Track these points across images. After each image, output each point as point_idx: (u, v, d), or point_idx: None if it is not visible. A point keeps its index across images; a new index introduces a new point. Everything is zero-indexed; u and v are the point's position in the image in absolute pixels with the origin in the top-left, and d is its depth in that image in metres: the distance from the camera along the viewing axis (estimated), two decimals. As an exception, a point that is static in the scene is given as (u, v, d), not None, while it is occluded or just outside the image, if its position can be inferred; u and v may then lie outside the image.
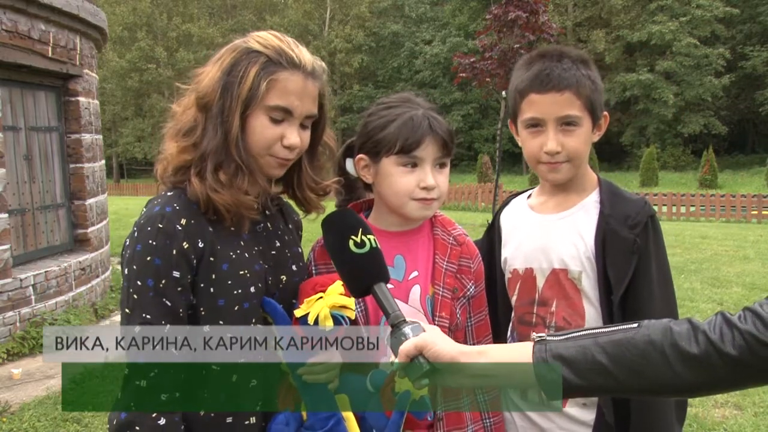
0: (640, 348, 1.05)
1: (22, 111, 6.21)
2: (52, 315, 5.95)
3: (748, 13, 33.75)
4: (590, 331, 1.12)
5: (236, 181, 1.34)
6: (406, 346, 1.14)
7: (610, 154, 34.85)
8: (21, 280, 5.69)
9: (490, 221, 1.87)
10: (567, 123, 1.56)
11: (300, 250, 1.58)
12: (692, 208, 17.19)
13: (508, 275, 1.72)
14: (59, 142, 6.80)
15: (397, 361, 1.16)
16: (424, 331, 1.17)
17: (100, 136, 7.72)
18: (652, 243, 1.56)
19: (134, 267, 1.30)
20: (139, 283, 1.29)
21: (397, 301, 1.53)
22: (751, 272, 8.45)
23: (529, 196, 1.79)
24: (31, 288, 5.81)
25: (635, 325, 1.09)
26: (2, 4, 5.41)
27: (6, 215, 5.59)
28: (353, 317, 1.40)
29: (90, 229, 7.05)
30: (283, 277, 1.47)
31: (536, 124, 1.58)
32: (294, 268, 1.51)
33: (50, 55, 6.21)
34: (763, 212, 15.91)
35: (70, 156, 6.91)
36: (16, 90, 6.09)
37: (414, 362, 1.14)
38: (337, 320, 1.37)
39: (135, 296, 1.30)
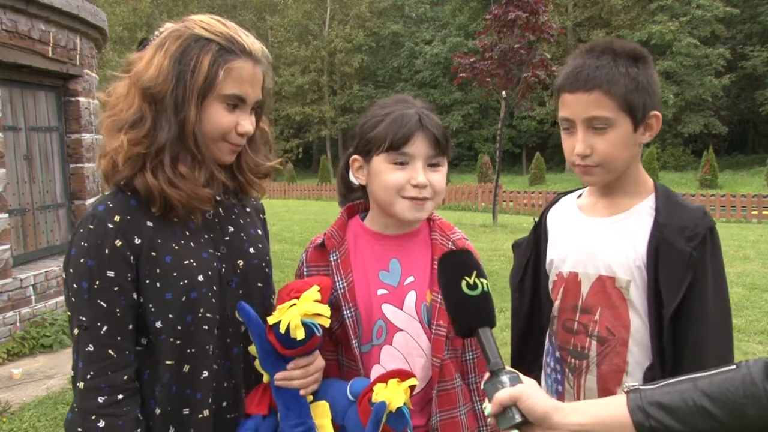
0: (742, 389, 1.05)
1: (22, 111, 6.21)
2: (52, 315, 5.95)
3: (748, 13, 33.73)
4: (687, 377, 1.11)
5: (194, 174, 1.33)
6: (501, 395, 1.13)
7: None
8: (21, 280, 5.69)
9: (537, 220, 1.77)
10: (596, 125, 1.46)
11: (259, 232, 1.54)
12: (692, 208, 17.18)
13: (553, 278, 1.64)
14: (59, 142, 6.80)
15: (490, 407, 1.16)
16: (522, 382, 1.15)
17: (101, 136, 7.71)
18: (710, 257, 1.45)
19: (70, 270, 1.30)
20: (75, 285, 1.29)
21: (391, 307, 1.51)
22: (751, 272, 8.45)
23: (579, 196, 1.70)
24: (31, 288, 5.81)
25: (733, 366, 1.09)
26: (2, 4, 5.41)
27: (6, 215, 5.59)
28: (328, 325, 1.37)
29: (90, 229, 7.05)
30: (240, 262, 1.44)
31: (568, 126, 1.51)
32: (251, 250, 1.48)
33: (50, 55, 6.21)
34: (763, 212, 15.90)
35: (70, 156, 6.91)
36: (16, 90, 6.09)
37: (507, 411, 1.13)
38: (309, 329, 1.33)
39: (73, 299, 1.30)
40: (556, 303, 1.61)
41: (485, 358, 1.19)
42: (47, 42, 6.14)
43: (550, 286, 1.64)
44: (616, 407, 1.11)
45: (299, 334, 1.31)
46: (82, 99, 6.95)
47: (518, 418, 1.12)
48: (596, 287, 1.54)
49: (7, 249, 5.53)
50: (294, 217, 16.37)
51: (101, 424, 1.26)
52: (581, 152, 1.47)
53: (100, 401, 1.27)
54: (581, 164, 1.50)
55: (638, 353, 1.50)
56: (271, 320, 1.36)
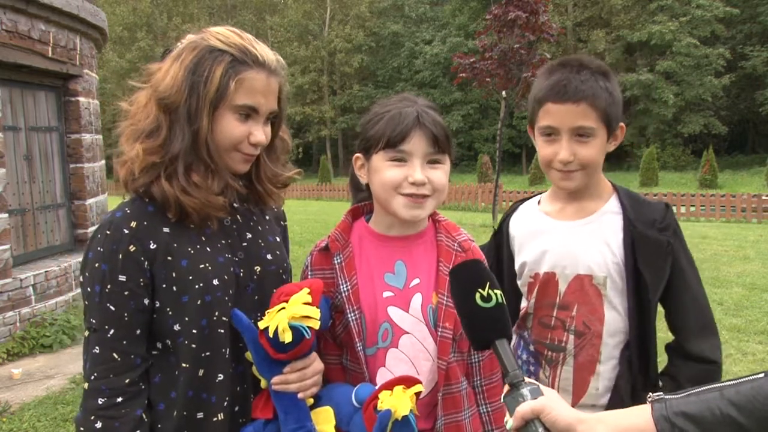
0: None
1: (22, 111, 6.21)
2: (52, 315, 5.95)
3: (748, 13, 33.73)
4: (712, 386, 1.10)
5: (207, 182, 1.35)
6: (523, 409, 1.11)
7: (610, 154, 34.41)
8: (21, 280, 5.69)
9: (496, 228, 1.88)
10: (581, 134, 1.59)
11: (277, 239, 1.56)
12: (692, 208, 17.19)
13: (528, 279, 1.75)
14: (59, 142, 6.80)
15: (512, 421, 1.13)
16: (543, 394, 1.13)
17: (100, 136, 7.73)
18: (680, 243, 1.63)
19: (86, 274, 1.34)
20: (89, 289, 1.33)
21: (397, 310, 1.50)
22: (751, 272, 8.45)
23: (538, 203, 1.81)
24: (31, 288, 5.81)
25: (761, 375, 1.07)
26: (2, 4, 5.41)
27: (6, 215, 5.59)
28: (317, 327, 1.36)
29: (90, 229, 7.05)
30: (257, 268, 1.46)
31: (551, 133, 1.62)
32: (269, 257, 1.49)
33: (50, 55, 6.21)
34: (763, 212, 15.89)
35: (70, 156, 6.91)
36: (16, 90, 6.09)
37: (529, 425, 1.11)
38: (298, 332, 1.33)
39: (86, 302, 1.34)
40: (531, 301, 1.73)
41: (503, 371, 1.17)
42: (47, 42, 6.14)
43: (525, 287, 1.76)
44: (640, 417, 1.10)
45: (287, 337, 1.31)
46: (82, 99, 6.95)
47: (541, 431, 1.10)
48: (574, 285, 1.67)
49: (7, 249, 5.53)
50: (294, 217, 16.35)
51: (98, 425, 1.29)
52: (565, 159, 1.59)
53: (100, 402, 1.29)
54: (563, 170, 1.62)
55: (611, 344, 1.64)
56: (261, 325, 1.36)
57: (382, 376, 1.49)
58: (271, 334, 1.33)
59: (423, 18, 43.71)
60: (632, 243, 1.61)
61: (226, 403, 1.38)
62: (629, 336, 1.64)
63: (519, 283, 1.79)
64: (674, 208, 17.56)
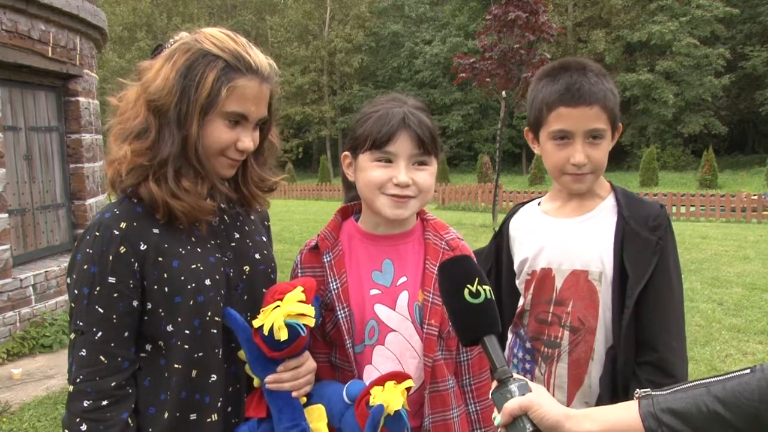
0: (758, 393, 1.03)
1: (22, 111, 6.21)
2: (52, 315, 5.95)
3: (748, 13, 33.73)
4: (699, 382, 1.10)
5: (197, 187, 1.34)
6: (511, 405, 1.11)
7: (609, 154, 34.52)
8: (21, 280, 5.69)
9: (497, 230, 1.89)
10: (594, 136, 1.61)
11: (264, 239, 1.56)
12: (692, 208, 17.18)
13: (525, 276, 1.75)
14: (59, 142, 6.80)
15: (500, 417, 1.14)
16: (531, 390, 1.14)
17: (100, 136, 7.72)
18: (671, 245, 1.64)
19: (74, 276, 1.33)
20: (76, 291, 1.31)
21: (384, 307, 1.51)
22: (751, 272, 8.45)
23: (539, 204, 1.82)
24: (31, 288, 5.81)
25: (748, 371, 1.07)
26: (2, 4, 5.41)
27: (6, 215, 5.59)
28: (312, 324, 1.36)
29: (90, 229, 7.05)
30: (246, 268, 1.46)
31: (564, 137, 1.62)
32: (257, 256, 1.49)
33: (50, 55, 6.21)
34: (763, 212, 15.89)
35: (70, 156, 6.91)
36: (16, 90, 6.09)
37: (517, 422, 1.12)
38: (293, 329, 1.33)
39: (73, 304, 1.32)
40: (528, 298, 1.73)
41: (492, 367, 1.17)
42: (47, 42, 6.14)
43: (522, 285, 1.76)
44: (628, 413, 1.10)
45: (282, 335, 1.31)
46: (82, 99, 6.95)
47: (529, 428, 1.10)
48: (570, 281, 1.67)
49: (7, 249, 5.53)
50: (294, 217, 16.38)
51: (83, 427, 1.28)
52: (581, 162, 1.60)
53: (85, 405, 1.28)
54: (576, 173, 1.62)
55: (604, 341, 1.64)
56: (256, 323, 1.36)
57: (369, 374, 1.50)
58: (266, 332, 1.33)
59: (423, 18, 43.69)
60: (623, 238, 1.62)
61: (219, 404, 1.38)
62: (614, 334, 1.63)
63: (517, 282, 1.79)
64: (674, 208, 17.54)
